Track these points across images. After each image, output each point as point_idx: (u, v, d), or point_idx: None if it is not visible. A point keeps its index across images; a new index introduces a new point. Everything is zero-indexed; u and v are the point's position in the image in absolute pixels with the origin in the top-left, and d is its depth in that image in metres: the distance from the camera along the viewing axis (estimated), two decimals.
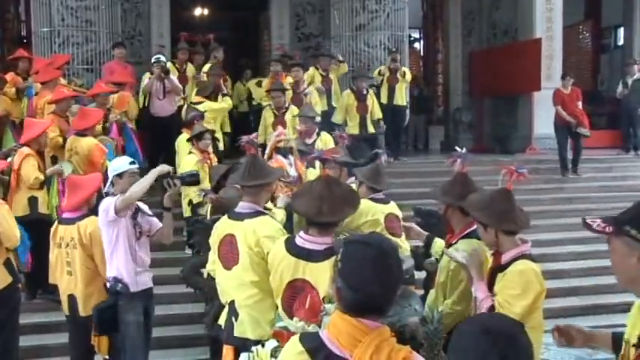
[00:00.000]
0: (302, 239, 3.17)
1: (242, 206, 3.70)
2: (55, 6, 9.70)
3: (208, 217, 4.96)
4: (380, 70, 10.39)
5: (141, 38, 12.11)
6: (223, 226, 3.76)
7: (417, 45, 16.98)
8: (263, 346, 2.65)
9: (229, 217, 3.74)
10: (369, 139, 9.28)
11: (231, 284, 3.67)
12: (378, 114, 9.75)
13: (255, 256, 3.52)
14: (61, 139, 6.92)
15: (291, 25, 13.00)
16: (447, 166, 4.27)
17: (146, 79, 9.13)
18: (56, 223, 4.98)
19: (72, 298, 4.83)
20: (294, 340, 2.02)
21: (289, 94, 9.07)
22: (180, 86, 9.12)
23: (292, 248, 3.18)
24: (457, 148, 4.07)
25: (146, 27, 12.12)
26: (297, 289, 3.10)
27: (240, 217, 3.65)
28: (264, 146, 8.12)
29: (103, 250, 4.73)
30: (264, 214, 3.69)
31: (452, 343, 1.79)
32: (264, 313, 3.54)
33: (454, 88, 14.93)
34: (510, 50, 12.86)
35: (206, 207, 5.90)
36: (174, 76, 9.22)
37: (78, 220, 4.78)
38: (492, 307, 3.02)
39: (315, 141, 6.88)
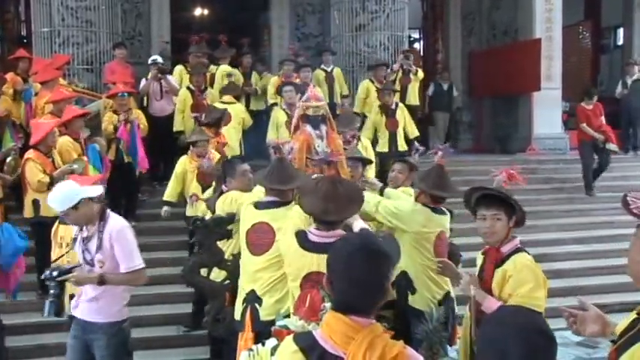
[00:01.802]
0: (313, 234, 3.29)
1: (269, 198, 4.02)
2: (55, 6, 9.69)
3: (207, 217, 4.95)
4: (392, 69, 10.35)
5: (141, 39, 12.11)
6: (252, 214, 4.01)
7: (416, 45, 16.97)
8: (263, 344, 2.66)
9: (257, 207, 4.02)
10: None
11: (255, 269, 3.91)
12: (414, 131, 9.04)
13: None
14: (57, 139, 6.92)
15: (291, 26, 13.01)
16: (430, 155, 4.95)
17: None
18: (57, 222, 4.96)
19: (73, 298, 4.84)
20: (289, 339, 2.04)
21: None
22: (177, 87, 9.08)
23: (305, 242, 3.31)
24: (440, 145, 4.54)
25: (146, 27, 12.12)
26: (313, 282, 3.16)
27: (274, 205, 3.96)
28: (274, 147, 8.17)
29: None
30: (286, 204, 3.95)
31: (492, 345, 1.80)
32: (284, 301, 3.74)
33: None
34: (510, 50, 12.86)
35: (200, 206, 5.95)
36: (170, 77, 9.22)
37: None
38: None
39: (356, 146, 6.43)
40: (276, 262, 3.77)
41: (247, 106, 9.97)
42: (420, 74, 10.49)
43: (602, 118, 10.24)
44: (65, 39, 9.77)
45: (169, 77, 9.17)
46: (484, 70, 13.32)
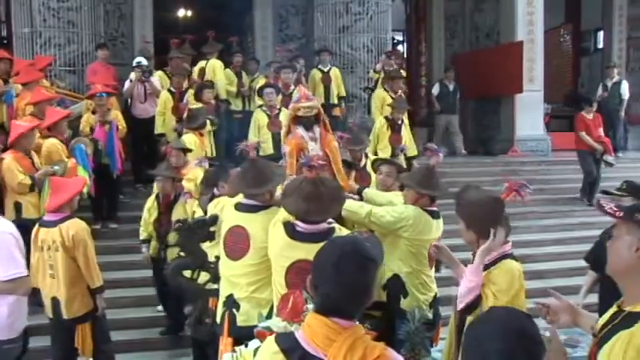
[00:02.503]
0: (300, 226, 3.33)
1: (246, 200, 3.86)
2: (35, 7, 9.60)
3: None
4: (375, 69, 10.40)
5: (124, 40, 12.04)
6: (231, 216, 3.88)
7: (400, 47, 17.04)
8: (246, 346, 2.66)
9: (237, 209, 3.85)
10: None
11: (233, 273, 3.80)
12: (413, 151, 8.79)
13: (264, 247, 3.63)
14: (41, 140, 6.85)
15: (274, 27, 13.01)
16: (425, 157, 4.91)
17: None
18: (37, 226, 4.92)
19: (55, 301, 4.81)
20: (270, 340, 2.05)
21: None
22: (160, 89, 9.02)
23: (293, 233, 3.33)
24: (433, 145, 4.51)
25: (129, 28, 12.06)
26: (300, 270, 3.22)
27: (251, 209, 3.78)
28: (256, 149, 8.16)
29: (87, 252, 4.75)
30: (265, 208, 3.79)
31: (473, 343, 1.82)
32: (267, 299, 3.67)
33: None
34: (493, 53, 12.97)
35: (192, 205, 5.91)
36: (154, 78, 9.20)
37: (60, 222, 4.74)
38: (479, 298, 3.09)
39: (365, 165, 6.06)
40: (253, 270, 3.70)
41: (243, 106, 10.06)
42: (403, 75, 10.51)
43: (601, 130, 10.21)
44: (47, 40, 9.69)
45: (153, 79, 9.14)
46: (467, 73, 13.42)
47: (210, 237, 4.40)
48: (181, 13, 16.13)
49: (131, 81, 9.14)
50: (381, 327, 3.36)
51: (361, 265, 1.93)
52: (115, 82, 9.14)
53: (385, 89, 9.59)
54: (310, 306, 2.52)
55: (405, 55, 16.22)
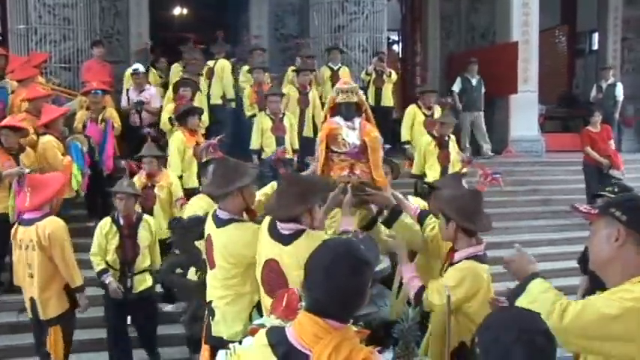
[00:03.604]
0: (278, 225, 3.25)
1: (219, 211, 3.68)
2: (31, 3, 9.58)
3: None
4: (367, 71, 10.45)
5: (119, 37, 12.01)
6: (208, 225, 3.77)
7: (395, 47, 17.05)
8: (240, 343, 2.67)
9: (212, 218, 3.72)
10: None
11: (211, 283, 3.72)
12: (458, 165, 8.02)
13: (229, 264, 3.54)
14: (35, 137, 6.86)
15: (270, 26, 13.00)
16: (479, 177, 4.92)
17: (128, 82, 9.01)
18: (16, 224, 4.87)
19: (33, 302, 4.74)
20: (262, 332, 2.09)
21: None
22: (156, 106, 8.83)
23: (273, 230, 3.26)
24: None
25: (124, 26, 12.03)
26: (271, 268, 3.23)
27: (218, 222, 3.64)
28: (259, 152, 8.15)
29: (65, 252, 4.64)
30: (236, 221, 3.59)
31: (487, 347, 1.82)
32: (239, 312, 3.56)
33: None
34: (488, 53, 13.00)
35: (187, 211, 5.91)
36: (153, 90, 9.03)
37: (37, 220, 4.64)
38: (422, 288, 3.29)
39: None
40: (223, 284, 3.60)
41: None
42: (394, 76, 10.59)
43: (611, 142, 9.91)
44: (42, 36, 9.67)
45: (150, 92, 8.96)
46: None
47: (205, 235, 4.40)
48: (177, 11, 16.12)
49: (128, 91, 9.03)
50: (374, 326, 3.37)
51: (353, 269, 1.93)
52: (110, 80, 9.13)
53: (418, 105, 9.34)
54: (304, 303, 2.53)
55: (401, 55, 16.24)
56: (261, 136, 8.18)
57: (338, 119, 3.80)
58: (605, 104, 12.50)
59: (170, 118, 8.11)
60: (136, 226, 5.49)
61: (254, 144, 8.26)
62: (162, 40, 11.19)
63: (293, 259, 3.07)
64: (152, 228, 5.57)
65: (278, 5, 13.09)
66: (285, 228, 3.17)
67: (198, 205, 5.16)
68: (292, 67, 10.20)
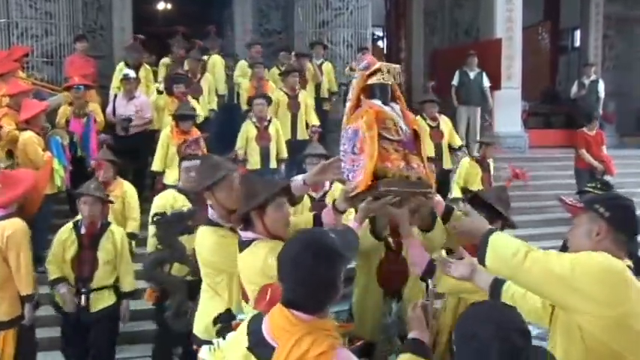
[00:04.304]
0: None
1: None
2: None
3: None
4: (351, 67, 10.42)
5: (102, 32, 11.91)
6: None
7: (380, 43, 17.08)
8: (224, 338, 2.67)
9: None
10: None
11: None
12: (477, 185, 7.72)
13: (203, 266, 3.48)
14: (17, 133, 6.78)
15: (254, 21, 12.95)
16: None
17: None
18: None
19: None
20: (246, 321, 2.15)
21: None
22: (148, 116, 8.46)
23: (240, 240, 3.12)
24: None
25: (108, 20, 11.93)
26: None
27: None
28: (244, 161, 7.84)
29: (20, 256, 4.40)
30: (213, 224, 3.42)
31: (464, 341, 1.86)
32: (211, 314, 3.45)
33: (416, 85, 15.07)
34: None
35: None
36: (143, 98, 8.59)
37: (1, 219, 4.42)
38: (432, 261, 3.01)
39: (326, 193, 5.47)
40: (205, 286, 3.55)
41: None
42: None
43: (604, 148, 9.90)
44: (23, 31, 9.56)
45: (140, 98, 8.53)
46: (447, 68, 13.48)
47: (189, 230, 4.39)
48: (161, 5, 16.02)
49: (115, 96, 8.59)
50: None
51: (319, 258, 1.95)
52: (94, 74, 9.04)
53: (422, 117, 8.71)
54: None
55: (385, 51, 16.27)
56: (246, 145, 7.92)
57: (378, 103, 3.09)
58: (587, 101, 12.61)
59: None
60: (99, 237, 4.87)
61: (239, 152, 7.99)
62: (148, 35, 11.08)
63: (241, 269, 3.03)
64: (117, 240, 4.94)
65: (262, 0, 13.05)
66: (243, 235, 3.07)
67: (160, 202, 5.06)
68: (277, 70, 10.10)
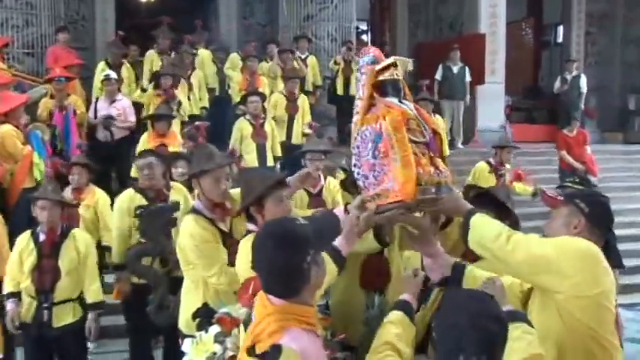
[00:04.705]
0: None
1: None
2: None
3: None
4: (336, 60, 10.46)
5: (84, 23, 11.77)
6: None
7: (364, 37, 17.08)
8: (207, 331, 2.67)
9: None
10: None
11: None
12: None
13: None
14: None
15: (238, 14, 12.89)
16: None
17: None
18: None
19: None
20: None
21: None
22: (130, 122, 8.20)
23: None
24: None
25: (90, 11, 11.79)
26: None
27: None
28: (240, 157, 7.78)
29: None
30: (195, 213, 3.49)
31: (443, 330, 1.90)
32: (190, 308, 3.49)
33: None
34: (455, 44, 13.10)
35: None
36: (126, 101, 8.31)
37: None
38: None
39: (321, 189, 5.42)
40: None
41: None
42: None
43: (587, 148, 9.76)
44: (4, 21, 9.47)
45: (123, 103, 8.22)
46: (431, 63, 13.52)
47: (173, 223, 4.38)
48: None
49: (97, 99, 8.35)
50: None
51: (279, 242, 1.99)
52: (79, 64, 8.94)
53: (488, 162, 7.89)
54: None
55: (370, 45, 16.28)
56: (241, 142, 7.85)
57: (395, 101, 2.78)
58: (569, 96, 12.71)
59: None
60: (60, 244, 4.42)
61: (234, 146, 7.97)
62: (131, 27, 11.04)
63: (237, 262, 3.05)
64: (80, 246, 4.49)
65: None
66: (247, 227, 3.18)
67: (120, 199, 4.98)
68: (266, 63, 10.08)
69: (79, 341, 4.57)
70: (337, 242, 2.56)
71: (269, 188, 3.01)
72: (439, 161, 2.72)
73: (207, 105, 9.39)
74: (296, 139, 8.82)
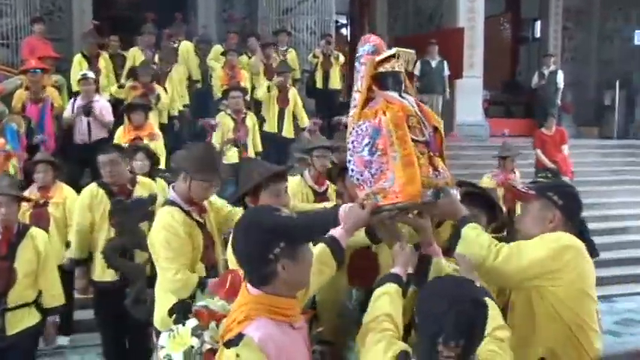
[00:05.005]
0: None
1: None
2: None
3: None
4: (315, 54, 10.45)
5: (61, 14, 11.62)
6: None
7: (344, 30, 17.07)
8: (184, 325, 2.65)
9: None
10: None
11: None
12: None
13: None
14: None
15: (217, 7, 12.81)
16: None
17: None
18: None
19: None
20: None
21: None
22: (110, 119, 7.75)
23: None
24: None
25: (67, 2, 11.63)
26: None
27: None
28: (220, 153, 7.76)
29: None
30: (170, 204, 3.48)
31: (423, 315, 1.95)
32: (165, 305, 3.39)
33: None
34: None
35: None
36: (103, 102, 7.92)
37: None
38: None
39: (327, 188, 5.13)
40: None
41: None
42: (342, 59, 10.59)
43: (565, 147, 9.59)
44: None
45: (98, 109, 7.71)
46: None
47: (150, 216, 4.35)
48: None
49: (75, 98, 7.91)
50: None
51: (244, 230, 2.02)
52: (56, 56, 8.82)
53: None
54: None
55: (349, 39, 16.27)
56: (223, 137, 7.73)
57: (395, 95, 2.63)
58: (547, 91, 12.84)
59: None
60: (16, 244, 4.06)
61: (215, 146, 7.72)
62: (108, 19, 10.92)
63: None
64: (40, 246, 4.14)
65: None
66: None
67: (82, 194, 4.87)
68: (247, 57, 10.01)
69: (30, 348, 4.22)
70: (337, 233, 2.51)
71: (267, 180, 2.98)
72: (439, 161, 2.62)
73: (188, 102, 9.32)
74: (287, 132, 8.78)
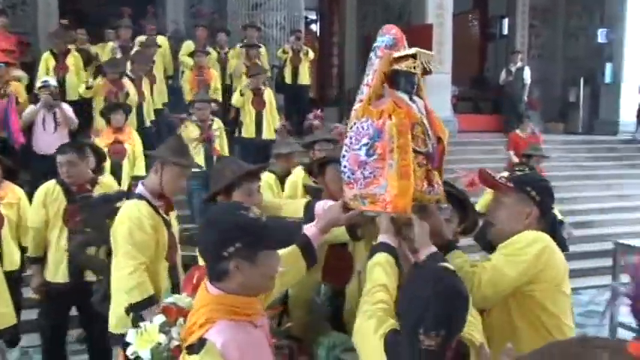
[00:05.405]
0: None
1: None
2: None
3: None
4: (284, 49, 10.42)
5: (25, 7, 11.41)
6: None
7: (313, 27, 17.05)
8: (151, 321, 2.63)
9: None
10: None
11: None
12: None
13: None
14: None
15: (186, 2, 12.71)
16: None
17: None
18: None
19: None
20: None
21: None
22: (74, 117, 7.46)
23: None
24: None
25: None
26: None
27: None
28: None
29: None
30: (138, 198, 3.52)
31: (406, 304, 1.95)
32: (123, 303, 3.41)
33: (349, 70, 15.16)
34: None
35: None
36: (66, 105, 7.55)
37: None
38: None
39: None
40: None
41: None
42: (311, 54, 10.60)
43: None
44: None
45: (64, 105, 7.46)
46: None
47: (116, 213, 4.30)
48: None
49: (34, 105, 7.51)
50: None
51: (205, 227, 2.03)
52: (17, 51, 8.66)
53: None
54: None
55: (318, 34, 16.27)
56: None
57: (405, 98, 2.46)
58: (514, 87, 13.01)
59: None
60: None
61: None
62: (74, 12, 10.70)
63: None
64: None
65: None
66: None
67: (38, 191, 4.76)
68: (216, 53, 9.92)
69: None
70: (310, 232, 2.47)
71: (239, 178, 2.95)
72: (435, 175, 2.51)
73: (167, 100, 9.27)
74: (267, 134, 8.54)
